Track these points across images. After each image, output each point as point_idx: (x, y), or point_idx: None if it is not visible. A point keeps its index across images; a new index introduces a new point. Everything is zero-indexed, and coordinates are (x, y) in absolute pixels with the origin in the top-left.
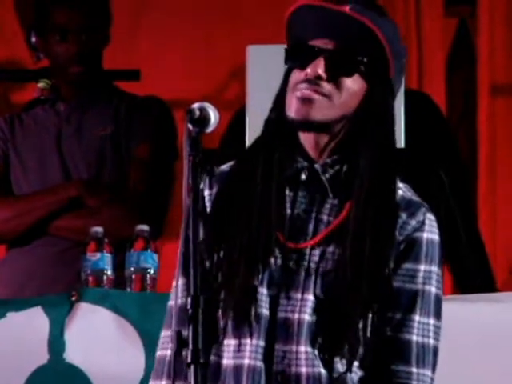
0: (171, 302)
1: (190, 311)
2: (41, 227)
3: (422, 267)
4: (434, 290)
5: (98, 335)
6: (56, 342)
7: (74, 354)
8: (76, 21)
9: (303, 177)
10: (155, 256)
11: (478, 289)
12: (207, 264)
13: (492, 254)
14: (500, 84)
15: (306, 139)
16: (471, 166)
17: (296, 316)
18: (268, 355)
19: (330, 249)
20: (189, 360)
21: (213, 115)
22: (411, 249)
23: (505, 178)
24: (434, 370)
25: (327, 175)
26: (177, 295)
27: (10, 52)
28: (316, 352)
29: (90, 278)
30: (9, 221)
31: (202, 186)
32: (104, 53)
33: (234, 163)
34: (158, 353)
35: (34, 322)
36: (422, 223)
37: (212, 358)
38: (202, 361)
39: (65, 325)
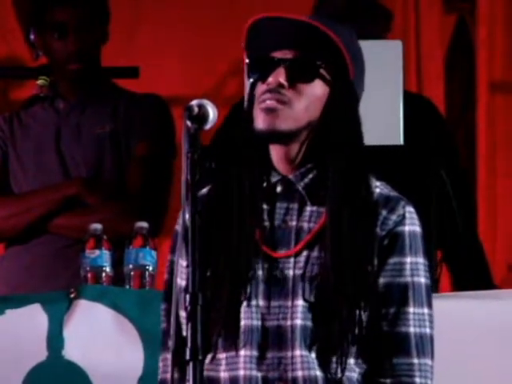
0: (163, 325)
1: (188, 308)
2: (40, 225)
3: (408, 259)
4: (423, 280)
5: (97, 332)
6: (55, 339)
7: (72, 351)
8: (74, 18)
9: (278, 189)
10: (154, 253)
11: (476, 287)
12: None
13: (491, 252)
14: (499, 81)
15: (276, 152)
16: (470, 164)
17: (288, 323)
18: (262, 364)
19: (314, 254)
20: (187, 357)
21: (211, 112)
22: (395, 243)
23: (504, 175)
24: (432, 358)
25: (302, 184)
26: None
27: (9, 49)
28: (312, 355)
29: (89, 275)
30: (8, 219)
31: (183, 210)
32: (102, 50)
33: (210, 186)
34: (160, 377)
35: (32, 319)
36: (403, 217)
37: (209, 373)
38: (200, 358)
39: (63, 322)
